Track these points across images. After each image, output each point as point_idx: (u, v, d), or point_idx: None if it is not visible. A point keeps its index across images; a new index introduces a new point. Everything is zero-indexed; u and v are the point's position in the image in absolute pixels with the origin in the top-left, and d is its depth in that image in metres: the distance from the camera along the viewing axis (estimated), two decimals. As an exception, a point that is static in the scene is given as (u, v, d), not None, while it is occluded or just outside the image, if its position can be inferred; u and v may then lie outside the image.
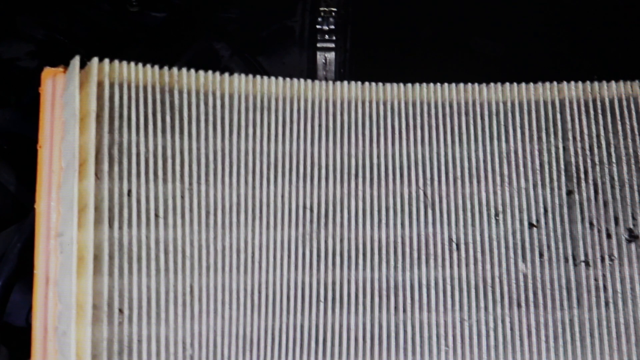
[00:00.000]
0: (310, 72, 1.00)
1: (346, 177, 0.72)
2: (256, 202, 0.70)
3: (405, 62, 1.00)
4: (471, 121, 0.74)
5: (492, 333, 0.70)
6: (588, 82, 0.75)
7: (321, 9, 1.01)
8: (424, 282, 0.70)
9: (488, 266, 0.71)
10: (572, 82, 0.75)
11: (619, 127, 0.74)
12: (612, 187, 0.73)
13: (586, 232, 0.72)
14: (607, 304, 0.70)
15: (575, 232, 0.72)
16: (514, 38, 1.02)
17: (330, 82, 0.74)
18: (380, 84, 0.74)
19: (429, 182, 0.72)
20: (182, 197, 0.68)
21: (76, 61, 0.69)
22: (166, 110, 0.69)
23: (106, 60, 0.69)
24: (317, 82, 0.74)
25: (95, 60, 0.68)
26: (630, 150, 0.74)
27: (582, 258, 0.71)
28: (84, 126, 0.67)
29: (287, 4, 1.02)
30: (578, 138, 0.74)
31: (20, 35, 0.99)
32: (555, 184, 0.73)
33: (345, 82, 0.74)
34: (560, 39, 1.03)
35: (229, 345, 0.68)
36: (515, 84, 0.75)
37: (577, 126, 0.74)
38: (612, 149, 0.73)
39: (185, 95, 0.70)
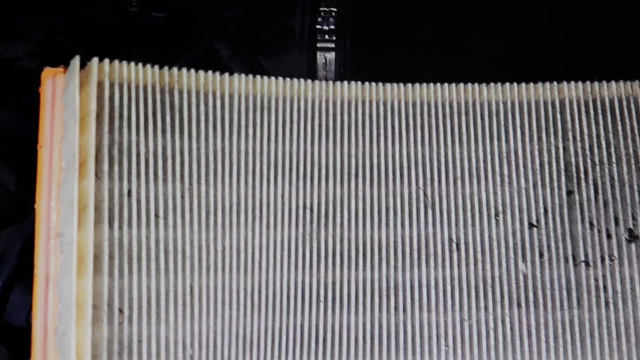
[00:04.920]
0: (310, 72, 1.00)
1: (346, 177, 0.72)
2: (256, 202, 0.70)
3: (405, 62, 1.01)
4: (471, 121, 0.74)
5: (492, 333, 0.70)
6: (588, 82, 0.75)
7: (321, 9, 1.01)
8: (424, 282, 0.70)
9: (488, 266, 0.71)
10: (572, 82, 0.75)
11: (619, 127, 0.74)
12: (612, 187, 0.73)
13: (586, 232, 0.72)
14: (607, 304, 0.70)
15: (575, 232, 0.72)
16: (514, 38, 1.02)
17: (330, 82, 0.74)
18: (380, 84, 0.74)
19: (429, 182, 0.72)
20: (182, 197, 0.68)
21: (76, 61, 0.69)
22: (166, 110, 0.69)
23: (106, 60, 0.69)
24: (317, 82, 0.74)
25: (95, 60, 0.68)
26: (630, 150, 0.73)
27: (582, 258, 0.71)
28: (84, 126, 0.67)
29: (287, 4, 1.02)
30: (578, 138, 0.74)
31: (20, 35, 0.99)
32: (555, 184, 0.73)
33: (345, 82, 0.74)
34: (560, 39, 1.03)
35: (229, 345, 0.68)
36: (515, 84, 0.75)
37: (577, 126, 0.74)
38: (612, 149, 0.73)
39: (185, 95, 0.70)
